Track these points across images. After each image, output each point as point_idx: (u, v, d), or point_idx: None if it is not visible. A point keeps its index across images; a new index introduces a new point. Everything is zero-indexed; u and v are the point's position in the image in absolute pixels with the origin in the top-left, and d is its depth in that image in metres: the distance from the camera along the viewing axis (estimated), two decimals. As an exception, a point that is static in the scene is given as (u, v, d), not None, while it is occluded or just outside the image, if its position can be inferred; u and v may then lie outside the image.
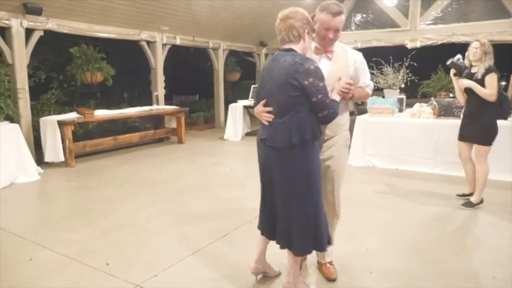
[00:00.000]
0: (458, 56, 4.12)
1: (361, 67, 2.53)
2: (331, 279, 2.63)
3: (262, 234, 2.53)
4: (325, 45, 2.41)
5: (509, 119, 4.53)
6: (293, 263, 2.38)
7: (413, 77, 6.52)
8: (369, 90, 2.62)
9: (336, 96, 2.28)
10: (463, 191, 4.39)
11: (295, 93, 2.11)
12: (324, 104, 2.13)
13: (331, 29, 2.30)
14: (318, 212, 2.25)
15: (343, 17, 2.32)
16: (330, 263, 2.72)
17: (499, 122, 5.09)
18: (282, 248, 2.36)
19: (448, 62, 4.09)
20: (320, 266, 2.75)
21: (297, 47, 2.20)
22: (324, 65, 2.40)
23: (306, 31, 2.21)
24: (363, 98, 2.66)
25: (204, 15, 8.29)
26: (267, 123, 2.25)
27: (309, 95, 2.11)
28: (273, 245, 2.47)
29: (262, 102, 2.27)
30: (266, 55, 11.85)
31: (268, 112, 2.23)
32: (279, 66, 2.17)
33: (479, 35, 8.34)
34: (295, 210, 2.22)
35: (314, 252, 2.70)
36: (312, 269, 2.80)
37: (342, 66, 2.42)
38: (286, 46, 2.22)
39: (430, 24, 9.08)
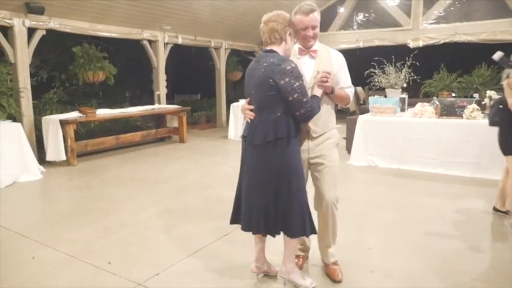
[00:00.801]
0: (501, 53, 3.69)
1: (343, 67, 2.57)
2: (335, 281, 2.60)
3: (232, 223, 2.61)
4: (307, 45, 2.48)
5: None
6: (288, 253, 2.48)
7: (415, 77, 6.51)
8: (350, 94, 2.60)
9: (317, 91, 2.36)
10: (465, 191, 4.37)
11: (271, 93, 2.23)
12: (300, 103, 2.22)
13: (308, 27, 2.39)
14: (296, 201, 2.32)
15: (316, 14, 2.40)
16: (335, 263, 2.70)
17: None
18: (264, 234, 2.48)
19: (497, 57, 3.67)
20: (325, 266, 2.73)
21: (279, 49, 2.32)
22: (309, 64, 2.50)
23: (288, 33, 2.31)
24: (344, 101, 2.60)
25: (205, 14, 8.29)
26: (249, 121, 2.39)
27: (285, 94, 2.21)
28: (274, 245, 2.48)
29: (247, 100, 2.42)
30: (268, 54, 11.82)
31: (251, 110, 2.37)
32: (260, 66, 2.29)
33: (481, 34, 8.36)
34: (272, 201, 2.33)
35: (319, 254, 2.73)
36: (316, 270, 2.79)
37: (326, 64, 2.48)
38: (268, 48, 2.34)
39: (432, 23, 9.06)
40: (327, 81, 2.33)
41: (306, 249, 2.86)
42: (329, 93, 2.42)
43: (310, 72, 2.47)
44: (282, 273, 2.52)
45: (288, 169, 2.30)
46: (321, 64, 2.47)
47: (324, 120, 2.51)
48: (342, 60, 2.57)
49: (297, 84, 2.20)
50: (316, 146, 2.52)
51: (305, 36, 2.42)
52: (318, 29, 2.44)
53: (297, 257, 2.78)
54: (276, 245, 2.62)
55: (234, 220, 2.61)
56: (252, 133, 2.35)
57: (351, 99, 2.62)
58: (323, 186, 2.53)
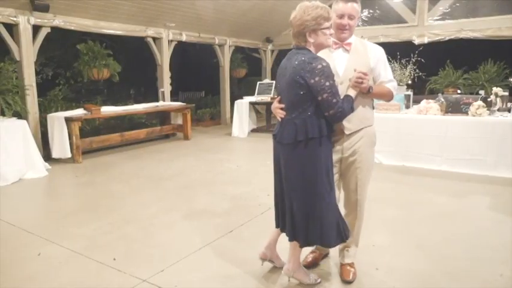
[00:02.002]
0: None
1: (382, 61, 2.45)
2: (345, 281, 2.55)
3: (276, 226, 2.57)
4: (340, 37, 2.40)
5: None
6: (293, 251, 2.46)
7: (420, 73, 6.47)
8: (393, 89, 2.47)
9: (350, 91, 2.29)
10: (470, 188, 4.35)
11: (301, 92, 2.18)
12: (329, 104, 2.16)
13: (344, 15, 2.34)
14: (324, 206, 2.27)
15: (355, 5, 2.34)
16: (350, 265, 2.62)
17: (502, 119, 5.08)
18: (290, 240, 2.42)
19: None
20: (340, 266, 2.68)
21: (309, 46, 2.25)
22: (342, 58, 2.41)
23: (308, 33, 2.19)
24: (385, 96, 2.49)
25: (209, 11, 8.28)
26: (280, 119, 2.35)
27: (315, 93, 2.16)
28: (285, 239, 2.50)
29: (277, 99, 2.39)
30: (272, 51, 11.81)
31: (281, 109, 2.32)
32: (291, 64, 2.24)
33: (487, 30, 8.28)
34: (298, 203, 2.29)
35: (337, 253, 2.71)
36: (332, 269, 2.76)
37: (361, 57, 2.39)
38: (299, 45, 2.27)
39: (437, 19, 8.98)
40: (362, 83, 2.26)
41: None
42: (365, 93, 2.33)
43: (343, 66, 2.37)
44: (286, 270, 2.51)
45: (316, 170, 2.24)
46: (356, 58, 2.37)
47: (359, 117, 2.40)
48: (379, 53, 2.45)
49: (328, 84, 2.13)
50: (351, 146, 2.44)
51: (340, 25, 2.34)
52: (354, 21, 2.37)
53: (313, 251, 2.78)
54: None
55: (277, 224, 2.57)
56: (281, 132, 2.30)
57: (394, 93, 2.50)
58: (352, 186, 2.49)
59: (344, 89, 2.32)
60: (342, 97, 2.25)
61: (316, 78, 2.12)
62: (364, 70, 2.30)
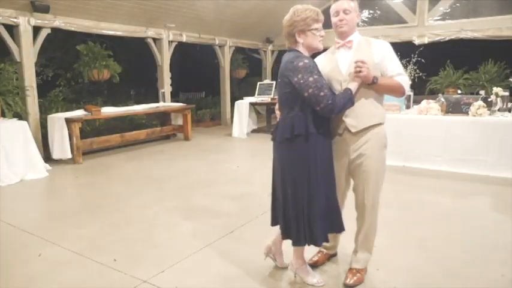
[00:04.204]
0: None
1: (388, 55, 2.36)
2: (344, 284, 2.51)
3: (273, 224, 2.61)
4: (340, 35, 2.41)
5: None
6: (295, 248, 2.49)
7: (420, 74, 6.47)
8: (403, 83, 2.34)
9: (351, 84, 2.28)
10: (471, 188, 4.35)
11: (288, 90, 2.27)
12: (317, 98, 2.17)
13: (339, 11, 2.36)
14: (312, 204, 2.30)
15: (349, 0, 2.36)
16: (358, 270, 2.55)
17: (503, 119, 5.07)
18: (283, 238, 2.51)
19: None
20: (347, 270, 2.63)
21: (298, 47, 2.33)
22: (345, 56, 2.40)
23: (297, 33, 2.28)
24: (395, 91, 2.37)
25: (209, 12, 8.29)
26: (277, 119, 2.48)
27: (300, 91, 2.20)
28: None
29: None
30: (272, 52, 11.82)
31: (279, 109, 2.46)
32: (281, 65, 2.36)
33: (487, 30, 8.28)
34: (288, 200, 2.35)
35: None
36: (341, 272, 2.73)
37: (364, 54, 2.34)
38: (290, 46, 2.38)
39: (438, 20, 8.98)
40: (360, 71, 2.21)
41: (330, 246, 2.76)
42: (370, 83, 2.26)
43: (346, 64, 2.35)
44: (291, 265, 2.58)
45: (302, 168, 2.27)
46: (359, 55, 2.32)
47: (366, 113, 2.32)
48: (385, 48, 2.37)
49: (311, 79, 2.16)
50: (358, 148, 2.36)
51: (336, 22, 2.36)
52: (351, 16, 2.34)
53: (319, 252, 2.77)
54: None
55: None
56: (275, 131, 2.41)
57: (406, 88, 2.37)
58: (360, 189, 2.43)
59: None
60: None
61: (299, 76, 2.18)
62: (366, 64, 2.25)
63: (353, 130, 2.34)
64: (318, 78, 2.19)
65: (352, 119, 2.33)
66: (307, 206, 2.29)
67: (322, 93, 2.16)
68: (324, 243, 2.52)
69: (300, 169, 2.27)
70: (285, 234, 2.44)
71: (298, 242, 2.39)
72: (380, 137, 2.39)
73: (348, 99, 2.23)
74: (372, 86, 2.30)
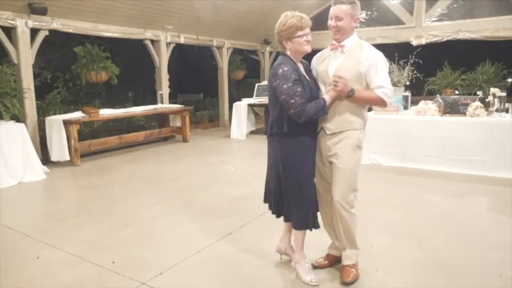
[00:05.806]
0: None
1: (374, 66, 2.41)
2: (343, 283, 2.53)
3: (269, 208, 2.78)
4: (334, 38, 2.49)
5: None
6: (294, 236, 2.68)
7: (418, 74, 6.48)
8: (382, 95, 2.42)
9: (325, 95, 2.45)
10: (469, 189, 4.36)
11: (271, 92, 2.49)
12: (288, 104, 2.36)
13: (332, 17, 2.45)
14: (294, 193, 2.52)
15: (343, 7, 2.40)
16: (351, 266, 2.58)
17: (500, 120, 5.09)
18: (285, 220, 2.68)
19: None
20: (341, 268, 2.64)
21: (287, 52, 2.50)
22: (336, 60, 2.50)
23: (284, 41, 2.46)
24: (373, 102, 2.52)
25: (207, 13, 8.29)
26: None
27: (277, 95, 2.41)
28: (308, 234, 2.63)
29: None
30: (270, 53, 11.82)
31: None
32: None
33: (485, 31, 8.31)
34: (278, 188, 2.59)
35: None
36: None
37: (352, 62, 2.45)
38: (281, 51, 2.57)
39: (435, 21, 9.00)
40: (335, 86, 2.37)
41: (334, 247, 2.76)
42: (347, 96, 2.41)
43: (334, 68, 2.48)
44: (293, 259, 2.70)
45: (280, 162, 2.51)
46: (347, 62, 2.45)
47: (341, 119, 2.47)
48: (372, 59, 2.41)
49: (285, 86, 2.34)
50: (333, 145, 2.50)
51: (330, 26, 2.48)
52: (343, 22, 2.41)
53: (326, 256, 2.79)
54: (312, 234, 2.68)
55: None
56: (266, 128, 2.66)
57: (387, 100, 2.44)
58: (333, 186, 2.52)
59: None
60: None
61: (278, 81, 2.38)
62: (351, 74, 2.41)
63: (328, 132, 2.52)
64: (291, 86, 2.34)
65: (330, 123, 2.50)
66: (293, 191, 2.53)
67: (292, 101, 2.34)
68: (335, 244, 2.72)
69: (277, 161, 2.53)
70: (285, 217, 2.65)
71: (302, 226, 2.58)
72: (353, 139, 2.50)
73: (320, 108, 2.39)
74: (349, 97, 2.43)
